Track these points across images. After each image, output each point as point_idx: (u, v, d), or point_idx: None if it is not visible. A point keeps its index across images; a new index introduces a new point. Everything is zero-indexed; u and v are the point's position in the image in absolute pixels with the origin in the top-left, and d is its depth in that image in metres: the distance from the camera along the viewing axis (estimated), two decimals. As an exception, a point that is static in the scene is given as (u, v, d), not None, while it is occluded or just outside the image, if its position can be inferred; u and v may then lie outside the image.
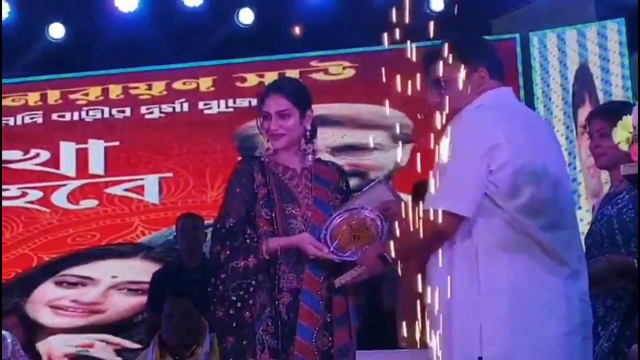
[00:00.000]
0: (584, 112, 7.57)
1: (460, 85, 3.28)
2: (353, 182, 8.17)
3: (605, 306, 3.88)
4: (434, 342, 3.18)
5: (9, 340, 4.43)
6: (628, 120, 2.50)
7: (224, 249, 3.80)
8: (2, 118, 8.58)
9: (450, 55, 3.28)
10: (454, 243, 3.17)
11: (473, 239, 3.14)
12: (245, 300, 3.77)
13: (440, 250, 3.18)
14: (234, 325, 3.77)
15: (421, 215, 3.10)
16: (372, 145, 8.15)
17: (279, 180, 3.94)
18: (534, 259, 3.13)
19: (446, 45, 3.33)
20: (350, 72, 8.37)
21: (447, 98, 3.27)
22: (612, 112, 3.54)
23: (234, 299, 3.77)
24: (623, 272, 3.82)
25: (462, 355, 3.11)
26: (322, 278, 3.86)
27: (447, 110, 3.23)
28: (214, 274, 3.84)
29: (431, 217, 3.04)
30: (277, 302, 3.80)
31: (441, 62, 3.28)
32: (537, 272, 3.12)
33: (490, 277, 3.10)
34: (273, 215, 3.87)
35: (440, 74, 3.30)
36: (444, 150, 3.09)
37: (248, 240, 3.79)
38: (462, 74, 3.29)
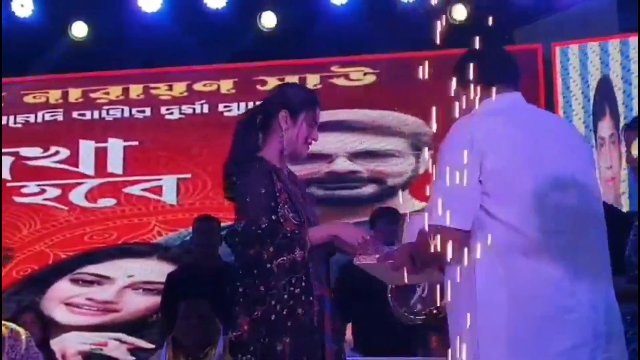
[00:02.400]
0: (604, 124, 7.55)
1: (461, 99, 3.27)
2: (371, 188, 8.23)
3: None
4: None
5: (23, 337, 4.43)
6: (648, 134, 2.47)
7: (265, 247, 3.67)
8: (24, 115, 8.62)
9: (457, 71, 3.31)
10: (458, 254, 3.08)
11: (471, 251, 3.05)
12: (297, 297, 3.68)
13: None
14: (289, 324, 3.67)
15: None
16: (390, 151, 8.15)
17: (286, 184, 3.91)
18: (533, 270, 3.01)
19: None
20: (371, 78, 8.37)
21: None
22: None
23: (286, 297, 3.66)
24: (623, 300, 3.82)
25: None
26: (331, 285, 3.87)
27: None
28: (252, 276, 3.74)
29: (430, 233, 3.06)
30: (312, 310, 3.73)
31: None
32: (537, 285, 3.00)
33: (487, 291, 3.01)
34: (301, 220, 3.77)
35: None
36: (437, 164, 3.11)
37: (289, 235, 3.68)
38: (457, 88, 3.27)
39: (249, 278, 3.69)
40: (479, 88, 3.25)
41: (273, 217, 3.71)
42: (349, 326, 6.08)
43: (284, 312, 3.65)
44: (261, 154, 3.84)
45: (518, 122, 3.18)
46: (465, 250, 3.07)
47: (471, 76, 3.23)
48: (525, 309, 2.99)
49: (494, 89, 3.24)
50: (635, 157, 2.62)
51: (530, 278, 3.00)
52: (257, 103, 7.79)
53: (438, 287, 3.31)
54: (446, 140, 3.14)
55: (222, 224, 6.74)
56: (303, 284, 3.67)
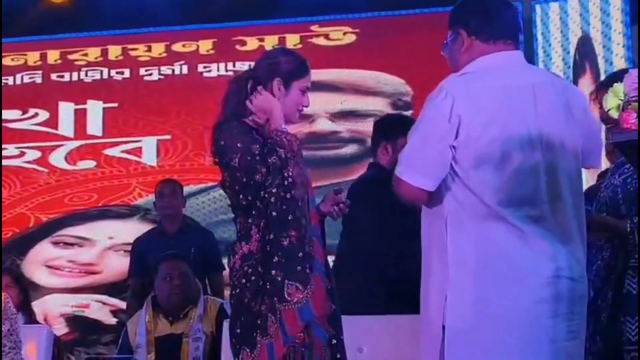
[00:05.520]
0: (585, 82, 7.54)
1: (450, 52, 3.29)
2: (352, 148, 8.22)
3: (601, 277, 3.87)
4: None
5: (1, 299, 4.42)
6: (619, 87, 2.48)
7: (260, 168, 3.65)
8: (1, 77, 8.57)
9: (449, 21, 3.30)
10: (429, 210, 3.18)
11: (444, 208, 3.12)
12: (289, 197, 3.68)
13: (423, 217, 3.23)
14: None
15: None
16: (371, 111, 8.14)
17: None
18: (500, 232, 3.07)
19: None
20: (351, 38, 8.33)
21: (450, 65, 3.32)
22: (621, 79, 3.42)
23: (279, 203, 3.66)
24: (597, 229, 3.81)
25: (431, 323, 3.12)
26: (322, 247, 3.84)
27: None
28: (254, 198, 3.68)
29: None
30: None
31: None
32: (504, 245, 3.07)
33: (456, 248, 3.08)
34: None
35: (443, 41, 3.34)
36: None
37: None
38: (449, 39, 3.29)
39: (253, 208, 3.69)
40: (474, 43, 3.25)
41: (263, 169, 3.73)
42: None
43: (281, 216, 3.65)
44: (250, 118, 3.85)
45: (507, 85, 3.16)
46: (438, 206, 3.13)
47: (468, 29, 3.25)
48: (493, 268, 3.06)
49: (489, 46, 3.24)
50: (605, 110, 2.63)
51: (497, 240, 3.07)
52: (238, 64, 7.70)
53: None
54: (430, 96, 3.14)
55: (202, 185, 6.75)
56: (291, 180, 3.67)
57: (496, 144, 3.06)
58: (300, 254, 3.63)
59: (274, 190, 3.63)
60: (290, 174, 3.66)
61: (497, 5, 3.31)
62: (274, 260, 3.60)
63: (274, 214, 3.62)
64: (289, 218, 3.64)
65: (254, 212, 3.66)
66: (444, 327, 3.08)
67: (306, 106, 3.93)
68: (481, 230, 3.06)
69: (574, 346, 3.15)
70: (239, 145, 3.66)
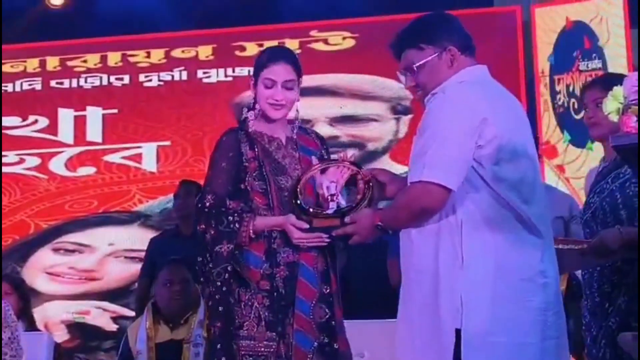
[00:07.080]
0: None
1: (432, 68, 3.30)
2: (350, 153, 8.20)
3: (612, 282, 3.84)
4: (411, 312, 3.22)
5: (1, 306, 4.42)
6: (619, 91, 2.49)
7: (209, 229, 3.73)
8: (1, 84, 8.57)
9: (417, 40, 3.33)
10: (438, 216, 3.16)
11: (457, 212, 3.14)
12: (230, 285, 3.73)
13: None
14: (220, 309, 3.74)
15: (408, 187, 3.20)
16: (370, 116, 8.15)
17: (267, 152, 3.88)
18: (515, 233, 3.15)
19: (411, 29, 3.38)
20: (350, 43, 8.34)
21: (422, 82, 3.34)
22: (608, 82, 3.50)
23: (219, 284, 3.72)
24: (633, 245, 3.76)
25: (440, 327, 3.11)
26: (317, 253, 3.83)
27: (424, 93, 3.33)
28: (202, 252, 3.80)
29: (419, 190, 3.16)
30: (275, 276, 3.75)
31: (411, 49, 3.33)
32: (519, 246, 3.15)
33: (473, 250, 3.11)
34: (268, 188, 3.81)
35: (411, 61, 3.34)
36: (424, 126, 3.17)
37: (232, 226, 3.71)
38: (432, 56, 3.30)
39: (202, 254, 3.76)
40: (460, 58, 3.31)
41: (241, 186, 3.76)
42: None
43: (217, 297, 3.74)
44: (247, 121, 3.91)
45: (497, 93, 3.29)
46: (446, 212, 3.16)
47: (458, 45, 3.31)
48: (509, 268, 3.12)
49: (469, 59, 3.33)
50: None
51: (512, 240, 3.15)
52: (238, 69, 7.71)
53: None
54: (442, 103, 3.18)
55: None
56: (234, 272, 3.73)
57: (511, 144, 3.15)
58: (219, 346, 3.73)
59: (210, 278, 3.75)
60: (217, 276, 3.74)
61: (457, 20, 3.43)
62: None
63: (210, 303, 3.78)
64: (219, 309, 3.73)
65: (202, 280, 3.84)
66: (455, 331, 3.09)
67: (276, 100, 3.88)
68: (500, 231, 3.13)
69: (564, 341, 3.26)
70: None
